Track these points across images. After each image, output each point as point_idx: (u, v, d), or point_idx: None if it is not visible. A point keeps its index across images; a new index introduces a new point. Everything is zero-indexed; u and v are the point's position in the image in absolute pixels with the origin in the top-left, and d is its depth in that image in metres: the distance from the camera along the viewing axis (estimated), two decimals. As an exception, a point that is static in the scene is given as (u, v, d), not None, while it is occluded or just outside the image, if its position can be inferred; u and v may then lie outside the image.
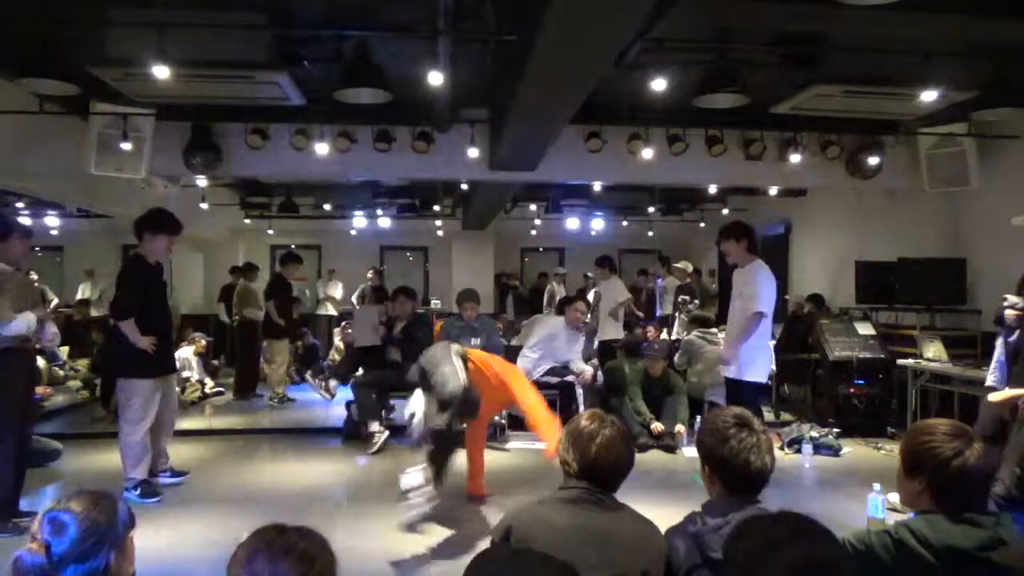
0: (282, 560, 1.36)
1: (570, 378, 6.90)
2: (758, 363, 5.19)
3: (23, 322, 4.13)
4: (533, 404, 4.28)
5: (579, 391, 6.87)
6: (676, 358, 7.52)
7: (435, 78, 5.20)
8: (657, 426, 6.48)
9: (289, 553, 1.37)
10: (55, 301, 4.07)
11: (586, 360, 7.22)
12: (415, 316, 6.99)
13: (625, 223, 14.04)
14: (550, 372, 6.93)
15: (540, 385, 6.80)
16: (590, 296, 9.27)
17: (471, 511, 4.63)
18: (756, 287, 5.13)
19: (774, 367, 5.43)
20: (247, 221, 13.36)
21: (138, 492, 4.77)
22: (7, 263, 4.20)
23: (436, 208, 12.61)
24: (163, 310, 5.14)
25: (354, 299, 12.45)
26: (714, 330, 7.45)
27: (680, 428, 6.51)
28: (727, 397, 5.41)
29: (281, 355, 8.71)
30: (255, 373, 9.20)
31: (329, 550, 1.45)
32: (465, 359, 4.40)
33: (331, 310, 12.79)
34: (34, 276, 4.37)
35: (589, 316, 9.58)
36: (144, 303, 4.89)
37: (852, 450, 6.49)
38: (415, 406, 4.35)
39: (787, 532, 1.42)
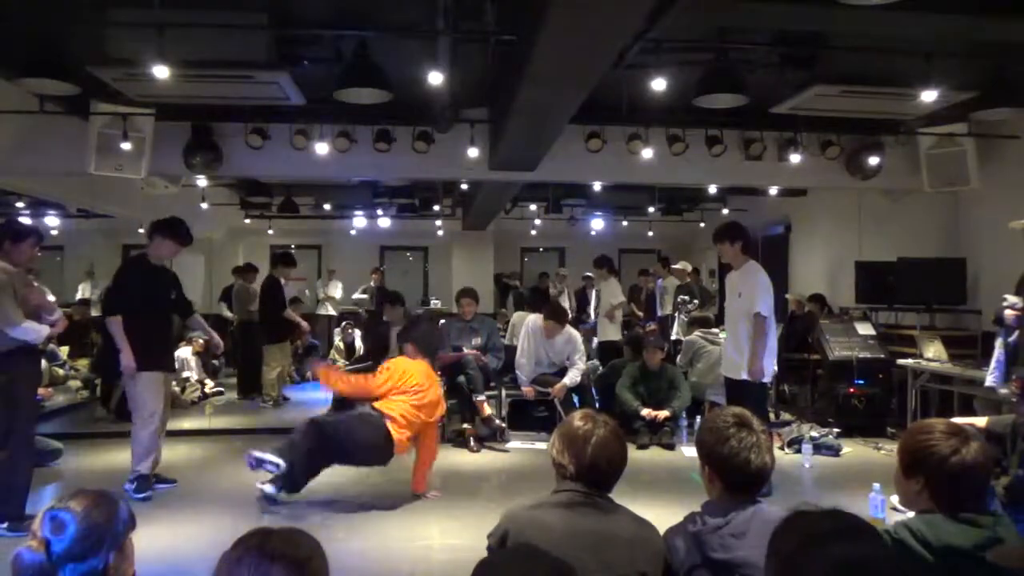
0: (269, 567, 1.30)
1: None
2: (765, 363, 5.17)
3: (33, 331, 4.15)
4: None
5: (557, 404, 6.74)
6: (678, 359, 7.52)
7: (435, 78, 5.19)
8: (648, 411, 6.46)
9: (276, 559, 1.31)
10: (57, 315, 4.09)
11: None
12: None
13: (625, 223, 14.03)
14: (536, 381, 6.83)
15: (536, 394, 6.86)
16: (591, 297, 9.27)
17: (471, 512, 4.63)
18: (753, 290, 5.12)
19: (775, 367, 5.40)
20: (247, 221, 13.36)
21: (134, 486, 4.80)
22: (14, 265, 4.21)
23: (436, 208, 12.58)
24: (163, 311, 5.14)
25: (362, 302, 12.42)
26: (715, 330, 7.44)
27: (666, 412, 6.49)
28: (728, 398, 5.39)
29: (275, 359, 8.60)
30: (256, 373, 9.17)
31: (321, 552, 1.39)
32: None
33: (331, 310, 12.79)
34: (30, 276, 4.37)
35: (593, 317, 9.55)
36: (141, 302, 4.91)
37: (852, 450, 6.49)
38: None
39: (833, 528, 1.41)
